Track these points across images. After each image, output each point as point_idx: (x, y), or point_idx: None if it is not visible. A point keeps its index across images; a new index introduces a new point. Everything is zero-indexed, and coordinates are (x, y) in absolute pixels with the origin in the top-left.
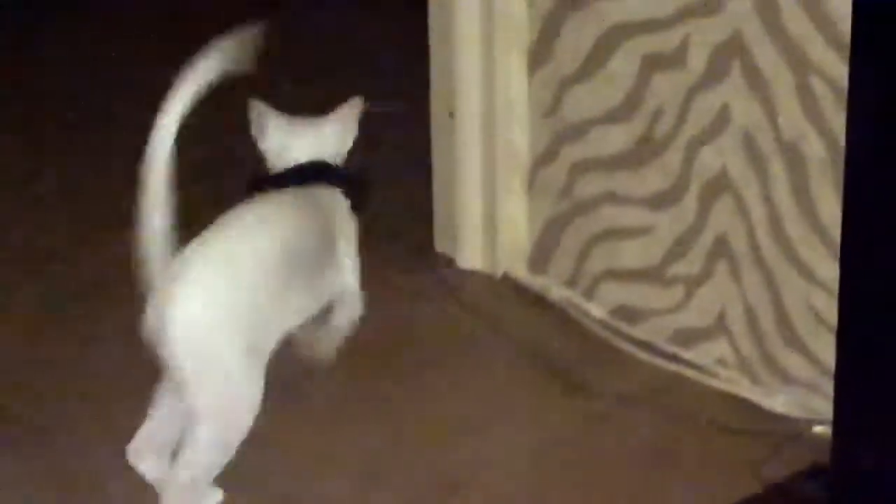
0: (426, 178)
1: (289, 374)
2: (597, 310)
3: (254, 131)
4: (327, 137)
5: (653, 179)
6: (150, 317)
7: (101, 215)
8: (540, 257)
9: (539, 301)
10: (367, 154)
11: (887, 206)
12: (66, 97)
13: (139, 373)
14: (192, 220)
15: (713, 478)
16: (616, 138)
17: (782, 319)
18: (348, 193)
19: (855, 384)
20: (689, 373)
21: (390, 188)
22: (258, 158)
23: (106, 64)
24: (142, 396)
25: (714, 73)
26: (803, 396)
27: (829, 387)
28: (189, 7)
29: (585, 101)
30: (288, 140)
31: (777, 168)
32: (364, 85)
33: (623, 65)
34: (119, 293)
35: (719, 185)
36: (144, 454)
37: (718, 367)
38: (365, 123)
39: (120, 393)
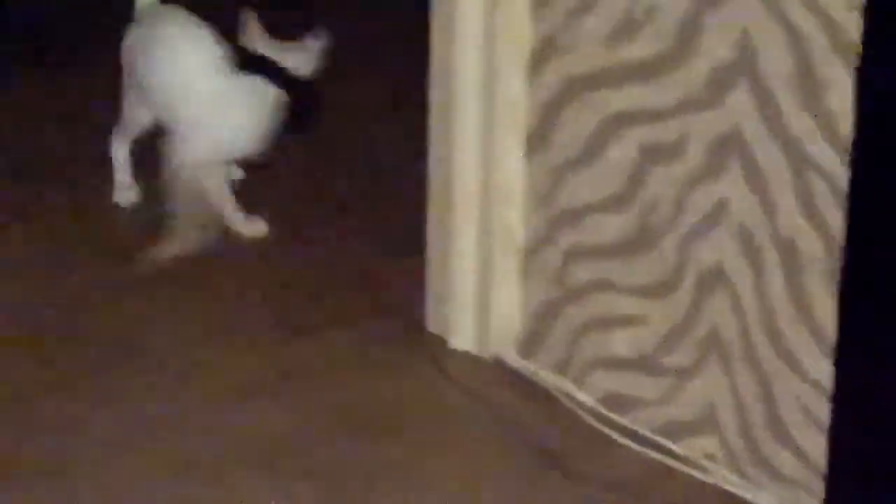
0: (423, 256)
1: None
2: (587, 397)
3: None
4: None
5: (647, 269)
6: None
7: None
8: (532, 342)
9: (529, 385)
10: (366, 229)
11: (883, 307)
12: None
13: None
14: None
15: None
16: (612, 226)
17: (773, 416)
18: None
19: (846, 484)
20: (678, 464)
21: (387, 263)
22: None
23: None
24: None
25: (712, 167)
26: (793, 494)
27: (819, 485)
28: None
29: (583, 187)
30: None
31: (773, 264)
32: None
33: (621, 153)
34: None
35: (714, 279)
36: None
37: (707, 461)
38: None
39: None
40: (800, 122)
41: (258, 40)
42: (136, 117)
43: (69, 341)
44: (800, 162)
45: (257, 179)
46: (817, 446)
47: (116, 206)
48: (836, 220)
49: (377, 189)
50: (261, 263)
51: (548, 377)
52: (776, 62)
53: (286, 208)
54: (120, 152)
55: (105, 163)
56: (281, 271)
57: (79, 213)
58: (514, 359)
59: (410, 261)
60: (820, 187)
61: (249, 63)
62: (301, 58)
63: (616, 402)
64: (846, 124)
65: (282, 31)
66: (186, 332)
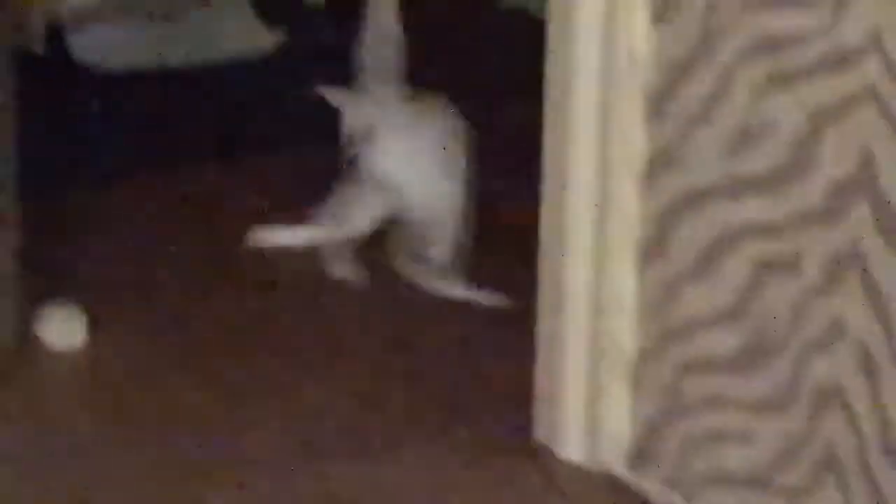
0: (530, 364)
1: None
2: None
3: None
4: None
5: (760, 385)
6: None
7: None
8: (642, 455)
9: (639, 500)
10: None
11: None
12: None
13: None
14: None
15: None
16: (725, 340)
17: None
18: None
19: None
20: None
21: (497, 367)
22: None
23: None
24: None
25: (829, 283)
26: None
27: None
28: None
29: (695, 300)
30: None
31: (892, 383)
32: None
33: (736, 267)
34: None
35: (830, 396)
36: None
37: None
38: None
39: None
40: None
41: (389, 96)
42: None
43: None
44: None
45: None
46: None
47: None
48: None
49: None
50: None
51: (658, 492)
52: None
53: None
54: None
55: None
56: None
57: None
58: (623, 472)
59: (520, 366)
60: None
61: None
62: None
63: None
64: None
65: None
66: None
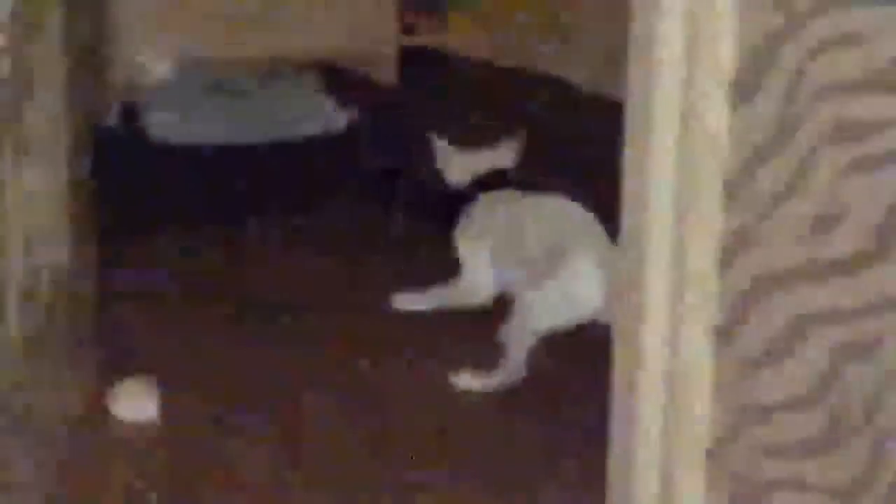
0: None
1: None
2: None
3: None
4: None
5: (838, 469)
6: None
7: None
8: None
9: None
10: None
11: None
12: None
13: None
14: None
15: None
16: (801, 424)
17: None
18: None
19: None
20: None
21: (564, 456)
22: None
23: None
24: None
25: None
26: None
27: None
28: None
29: (772, 384)
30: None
31: None
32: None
33: (814, 351)
34: None
35: None
36: None
37: None
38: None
39: None
40: None
41: (454, 156)
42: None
43: None
44: None
45: None
46: None
47: None
48: None
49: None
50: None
51: None
52: None
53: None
54: None
55: None
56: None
57: None
58: None
59: (594, 448)
60: None
61: None
62: (502, 157)
63: None
64: None
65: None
66: None
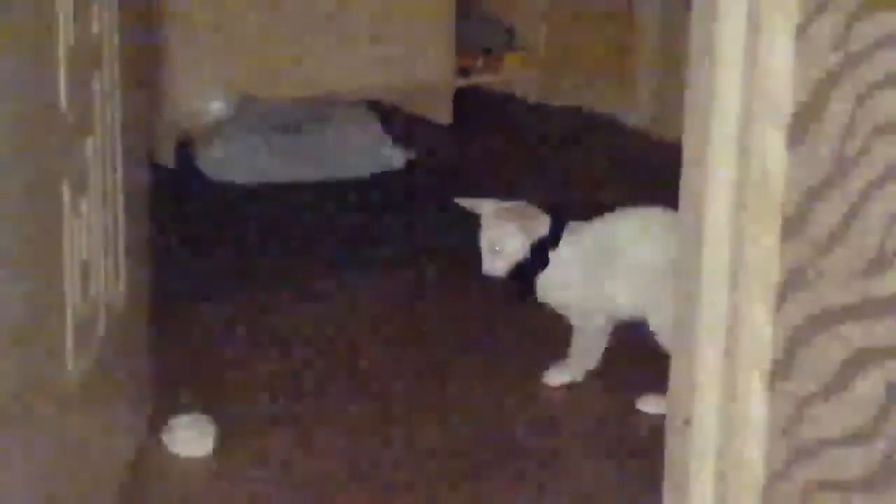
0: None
1: None
2: None
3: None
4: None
5: None
6: None
7: None
8: None
9: None
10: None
11: None
12: None
13: None
14: None
15: None
16: (855, 462)
17: None
18: None
19: None
20: None
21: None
22: None
23: None
24: None
25: None
26: None
27: None
28: None
29: (825, 421)
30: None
31: None
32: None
33: (868, 389)
34: None
35: None
36: None
37: None
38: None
39: None
40: None
41: (502, 217)
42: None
43: None
44: None
45: None
46: None
47: None
48: None
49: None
50: None
51: None
52: None
53: None
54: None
55: None
56: None
57: None
58: None
59: (648, 487)
60: None
61: None
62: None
63: None
64: None
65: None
66: None
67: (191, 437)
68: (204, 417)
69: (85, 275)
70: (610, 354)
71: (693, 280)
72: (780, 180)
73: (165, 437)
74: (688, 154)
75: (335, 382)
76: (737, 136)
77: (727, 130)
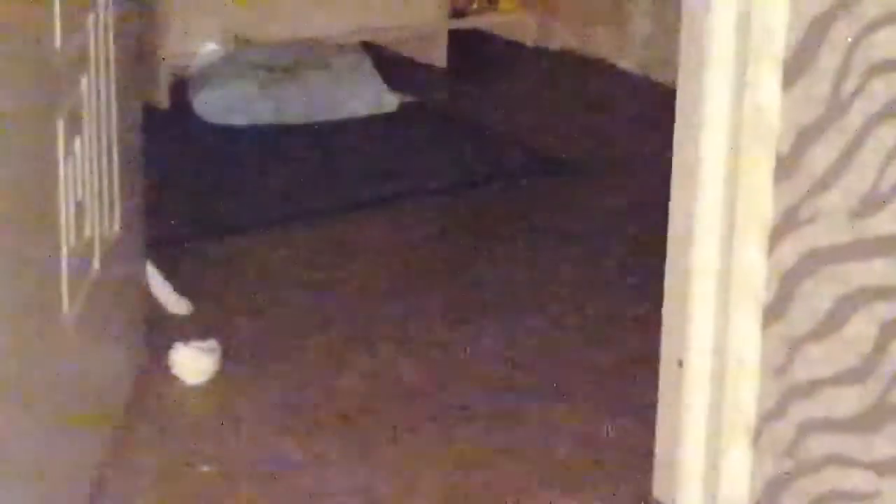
0: (644, 422)
1: None
2: None
3: None
4: None
5: (883, 445)
6: None
7: None
8: None
9: None
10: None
11: None
12: None
13: None
14: None
15: None
16: (848, 400)
17: None
18: None
19: None
20: None
21: (615, 427)
22: None
23: None
24: None
25: None
26: None
27: None
28: None
29: (818, 361)
30: None
31: None
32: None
33: (861, 328)
34: None
35: None
36: None
37: None
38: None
39: None
40: None
41: None
42: None
43: None
44: None
45: None
46: None
47: None
48: None
49: (608, 350)
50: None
51: None
52: None
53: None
54: None
55: None
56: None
57: None
58: None
59: (635, 425)
60: None
61: None
62: None
63: None
64: None
65: None
66: None
67: (193, 362)
68: (205, 345)
69: (79, 214)
70: None
71: (686, 221)
72: (775, 120)
73: (171, 360)
74: (682, 95)
75: (336, 316)
76: (732, 77)
77: (722, 70)
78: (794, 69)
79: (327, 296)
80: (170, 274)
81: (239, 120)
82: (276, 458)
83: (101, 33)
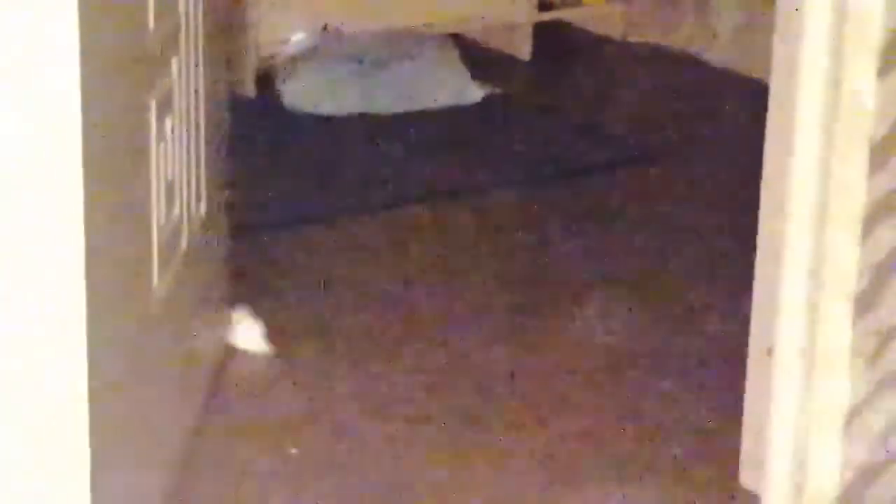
0: (732, 411)
1: None
2: None
3: None
4: None
5: None
6: None
7: None
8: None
9: None
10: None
11: None
12: None
13: None
14: None
15: None
16: None
17: None
18: None
19: None
20: None
21: (704, 415)
22: None
23: None
24: None
25: None
26: None
27: None
28: None
29: None
30: None
31: None
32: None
33: None
34: None
35: None
36: None
37: None
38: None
39: None
40: None
41: None
42: None
43: None
44: None
45: None
46: None
47: None
48: None
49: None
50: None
51: None
52: None
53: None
54: None
55: None
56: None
57: None
58: None
59: (722, 413)
60: None
61: None
62: None
63: None
64: None
65: None
66: None
67: (250, 334)
68: (260, 319)
69: (169, 193)
70: None
71: (777, 209)
72: (870, 108)
73: (230, 334)
74: (776, 82)
75: (421, 304)
76: (827, 65)
77: (817, 58)
78: (890, 57)
79: (412, 283)
80: (250, 259)
81: (326, 109)
82: (359, 445)
83: (192, 16)
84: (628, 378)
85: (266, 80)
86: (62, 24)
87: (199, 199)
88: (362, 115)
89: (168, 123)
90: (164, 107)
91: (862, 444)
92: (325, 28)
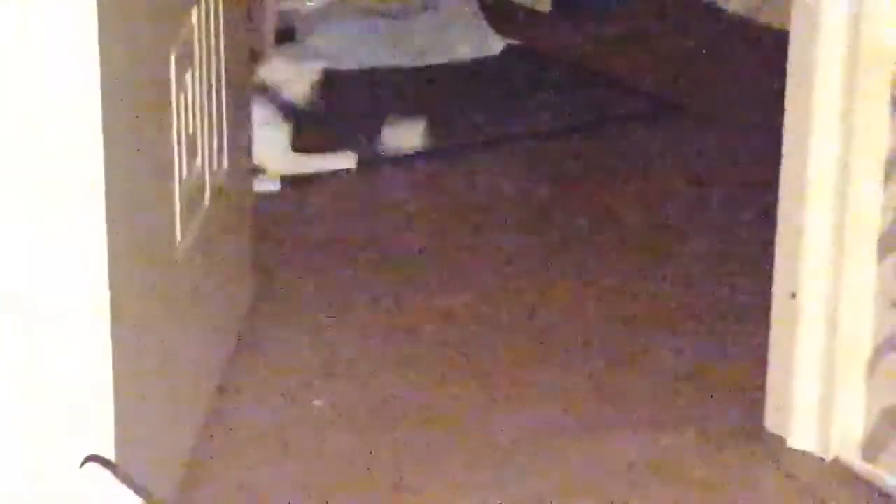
0: (756, 358)
1: None
2: None
3: None
4: None
5: None
6: None
7: None
8: (875, 445)
9: (871, 489)
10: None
11: None
12: None
13: None
14: None
15: None
16: None
17: None
18: None
19: None
20: None
21: (729, 357)
22: None
23: None
24: None
25: None
26: None
27: None
28: None
29: None
30: None
31: None
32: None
33: None
34: None
35: None
36: None
37: None
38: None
39: None
40: None
41: None
42: None
43: None
44: None
45: None
46: None
47: None
48: None
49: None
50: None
51: (891, 481)
52: None
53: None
54: None
55: None
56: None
57: None
58: (857, 462)
59: (753, 355)
60: None
61: None
62: None
63: None
64: None
65: None
66: None
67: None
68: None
69: (191, 147)
70: None
71: (801, 152)
72: (893, 50)
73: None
74: (796, 28)
75: (446, 254)
76: (848, 12)
77: (838, 7)
78: None
79: (435, 233)
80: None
81: (347, 63)
82: (388, 398)
83: None
84: (650, 325)
85: (285, 35)
86: None
87: (220, 155)
88: (382, 69)
89: (188, 75)
90: (185, 58)
91: (888, 387)
92: None
